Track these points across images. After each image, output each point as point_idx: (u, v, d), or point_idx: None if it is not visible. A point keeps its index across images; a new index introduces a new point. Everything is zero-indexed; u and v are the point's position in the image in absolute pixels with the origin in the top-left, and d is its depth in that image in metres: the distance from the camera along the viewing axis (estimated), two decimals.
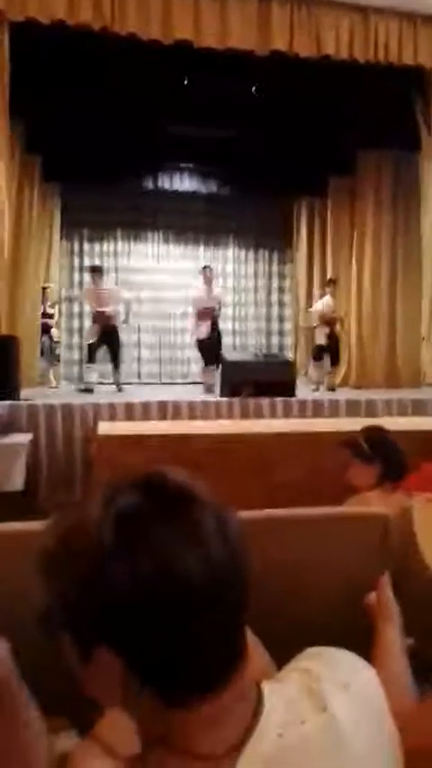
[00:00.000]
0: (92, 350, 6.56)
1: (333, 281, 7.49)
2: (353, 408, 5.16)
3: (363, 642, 0.94)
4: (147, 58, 5.54)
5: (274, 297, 9.53)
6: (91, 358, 6.58)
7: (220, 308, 6.92)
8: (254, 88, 6.47)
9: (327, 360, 7.06)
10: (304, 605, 1.11)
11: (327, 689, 0.59)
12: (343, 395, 5.89)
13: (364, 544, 1.27)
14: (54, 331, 7.43)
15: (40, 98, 6.10)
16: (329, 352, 7.07)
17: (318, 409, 5.07)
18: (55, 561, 0.56)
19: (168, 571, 0.52)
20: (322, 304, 7.22)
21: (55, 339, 7.43)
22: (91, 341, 6.59)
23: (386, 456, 2.15)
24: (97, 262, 8.43)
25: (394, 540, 1.28)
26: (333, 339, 7.12)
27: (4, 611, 0.95)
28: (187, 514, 0.55)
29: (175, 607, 0.52)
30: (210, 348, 6.63)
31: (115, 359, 6.60)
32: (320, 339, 7.09)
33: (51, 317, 7.44)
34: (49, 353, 7.33)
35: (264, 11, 5.54)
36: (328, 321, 7.10)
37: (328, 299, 7.21)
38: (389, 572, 1.08)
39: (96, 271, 6.72)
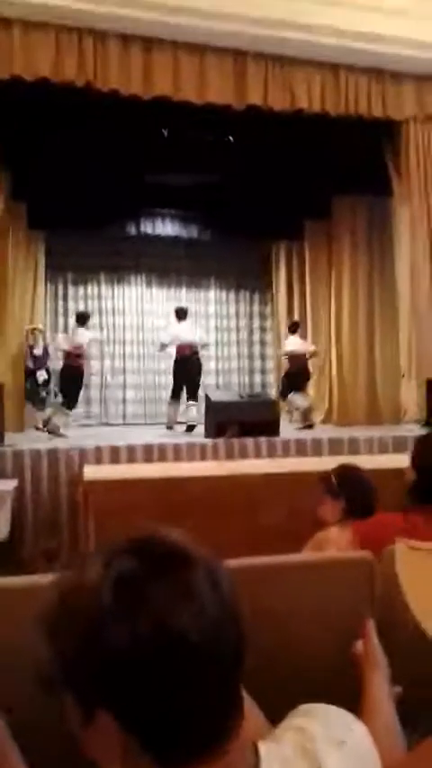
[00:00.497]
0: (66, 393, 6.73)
1: (296, 324, 7.82)
2: (336, 446, 5.22)
3: (352, 691, 0.96)
4: (127, 110, 5.75)
5: (256, 336, 9.69)
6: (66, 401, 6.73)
7: (202, 347, 7.05)
8: (231, 138, 6.73)
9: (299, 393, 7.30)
10: (294, 655, 1.13)
11: (321, 749, 0.62)
12: (326, 433, 5.96)
13: (351, 590, 1.29)
14: (39, 374, 7.33)
15: (25, 149, 6.28)
16: (297, 380, 7.29)
17: (301, 448, 5.13)
18: (56, 621, 0.58)
19: (165, 629, 0.54)
20: (290, 345, 7.48)
21: (39, 382, 7.34)
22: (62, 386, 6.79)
23: (351, 492, 2.19)
24: (81, 305, 8.56)
25: (379, 583, 1.31)
26: (302, 369, 7.37)
27: None
28: (181, 573, 0.57)
29: (174, 664, 0.54)
30: (177, 381, 6.81)
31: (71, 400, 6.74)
32: (290, 368, 7.40)
33: (38, 359, 7.38)
34: (35, 396, 7.30)
35: (240, 67, 5.82)
36: (299, 357, 7.33)
37: (294, 338, 7.47)
38: (374, 619, 1.09)
39: (81, 318, 6.99)
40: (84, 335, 6.89)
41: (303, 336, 7.81)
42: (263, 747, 0.61)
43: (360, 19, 5.60)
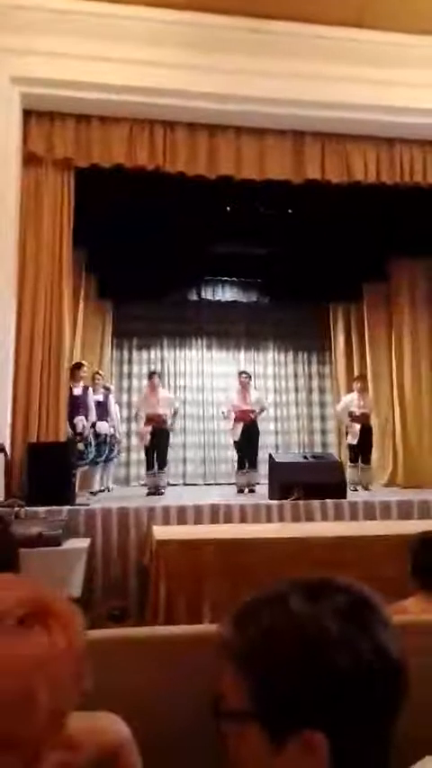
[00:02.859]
0: (150, 454, 6.84)
1: (362, 377, 7.73)
2: (405, 510, 5.13)
3: None
4: (193, 188, 6.15)
5: (315, 396, 9.74)
6: (151, 462, 6.83)
7: (261, 411, 7.18)
8: (290, 210, 7.06)
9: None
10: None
11: None
12: (394, 496, 5.87)
13: None
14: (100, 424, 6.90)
15: (98, 225, 6.80)
16: (362, 450, 7.17)
17: (369, 511, 5.07)
18: (265, 650, 0.64)
19: (383, 654, 0.63)
20: (346, 401, 7.41)
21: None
22: (146, 444, 6.84)
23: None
24: (145, 368, 8.90)
25: None
26: (364, 436, 7.22)
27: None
28: (375, 609, 0.67)
29: (387, 685, 0.63)
30: (240, 449, 6.92)
31: (162, 461, 6.81)
32: (351, 439, 7.23)
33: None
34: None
35: (298, 145, 6.17)
36: (358, 418, 7.24)
37: (354, 395, 7.40)
38: None
39: (152, 376, 7.15)
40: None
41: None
42: None
43: (412, 94, 5.89)
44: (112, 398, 7.39)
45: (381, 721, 0.63)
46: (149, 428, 6.79)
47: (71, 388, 6.10)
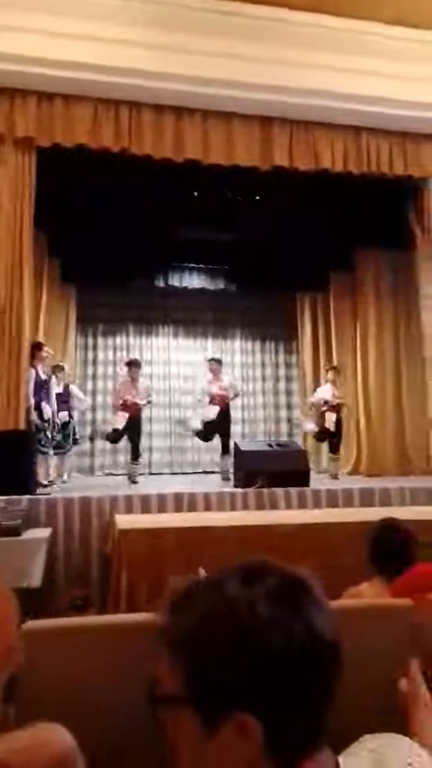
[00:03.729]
0: (118, 436, 6.73)
1: (335, 368, 7.69)
2: (367, 498, 5.19)
3: (398, 730, 0.99)
4: (159, 172, 6.06)
5: (282, 385, 9.77)
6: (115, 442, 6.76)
7: (235, 396, 7.14)
8: (257, 197, 7.02)
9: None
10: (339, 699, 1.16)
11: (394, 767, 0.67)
12: (356, 484, 5.93)
13: (391, 636, 1.32)
14: (62, 414, 6.75)
15: (60, 209, 6.63)
16: (332, 437, 7.22)
17: (332, 499, 5.11)
18: (196, 634, 0.64)
19: (315, 634, 0.63)
20: (321, 391, 7.43)
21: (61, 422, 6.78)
22: (118, 427, 6.65)
23: (381, 549, 2.23)
24: (111, 354, 8.78)
25: (423, 629, 1.34)
26: (336, 426, 7.26)
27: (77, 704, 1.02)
28: (310, 591, 0.67)
29: (319, 664, 0.63)
30: (211, 429, 6.83)
31: (136, 450, 6.73)
32: (330, 425, 7.23)
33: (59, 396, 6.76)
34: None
35: (266, 131, 6.12)
36: (334, 407, 7.28)
37: (327, 387, 7.42)
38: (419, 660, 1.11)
39: (134, 364, 6.98)
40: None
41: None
42: (341, 759, 0.67)
43: (382, 85, 5.90)
44: (74, 389, 7.26)
45: (315, 704, 0.63)
46: (126, 415, 6.66)
47: (36, 372, 5.93)
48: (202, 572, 2.69)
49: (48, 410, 6.06)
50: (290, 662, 0.61)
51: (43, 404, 5.99)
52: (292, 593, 0.65)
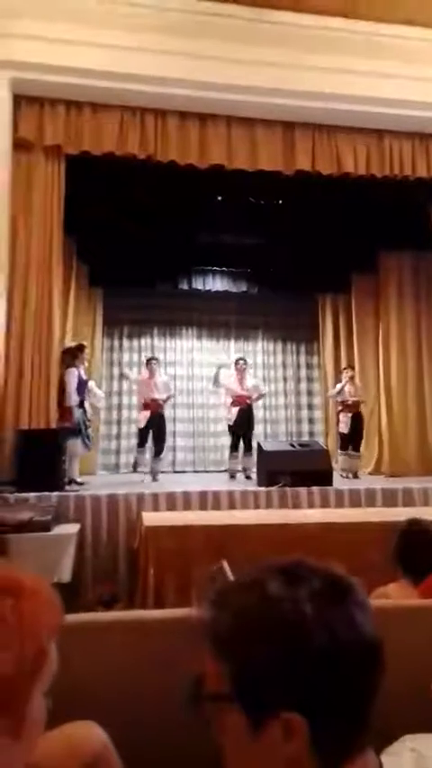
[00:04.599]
0: (143, 435, 6.89)
1: (351, 367, 7.81)
2: (390, 498, 5.24)
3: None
4: (183, 177, 6.16)
5: (303, 386, 9.82)
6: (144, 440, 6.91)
7: (259, 397, 7.24)
8: (280, 201, 7.09)
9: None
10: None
11: None
12: (379, 484, 5.97)
13: (424, 635, 1.37)
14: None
15: (89, 214, 6.79)
16: (352, 438, 7.26)
17: (355, 499, 5.17)
18: (244, 636, 0.64)
19: (358, 633, 0.64)
20: (339, 387, 7.49)
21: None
22: (142, 426, 6.85)
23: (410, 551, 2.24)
24: (136, 356, 8.93)
25: None
26: (355, 425, 7.31)
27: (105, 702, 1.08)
28: (353, 590, 0.68)
29: (362, 663, 0.64)
30: (235, 433, 6.96)
31: (160, 446, 6.86)
32: (342, 428, 7.32)
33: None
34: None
35: (288, 136, 6.19)
36: (350, 406, 7.33)
37: (345, 383, 7.48)
38: None
39: (150, 361, 7.17)
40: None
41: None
42: (384, 759, 0.70)
43: (402, 87, 5.92)
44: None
45: (359, 702, 0.64)
46: (147, 413, 6.81)
47: (78, 372, 6.15)
48: (225, 565, 2.78)
49: (90, 410, 6.35)
50: (336, 661, 0.61)
51: (86, 403, 6.26)
52: (336, 593, 0.66)
